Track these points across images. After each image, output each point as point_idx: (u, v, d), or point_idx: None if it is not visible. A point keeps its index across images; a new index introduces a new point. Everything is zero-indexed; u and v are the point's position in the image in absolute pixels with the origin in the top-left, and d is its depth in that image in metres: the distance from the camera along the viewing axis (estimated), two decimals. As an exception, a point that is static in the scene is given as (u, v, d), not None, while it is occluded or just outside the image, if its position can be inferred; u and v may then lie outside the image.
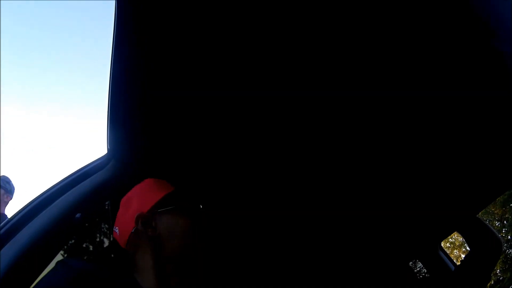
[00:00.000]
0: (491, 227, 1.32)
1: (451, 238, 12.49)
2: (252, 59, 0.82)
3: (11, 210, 2.20)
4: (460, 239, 12.38)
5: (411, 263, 2.00)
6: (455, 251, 12.37)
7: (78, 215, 0.95)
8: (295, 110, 0.98)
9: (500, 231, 10.53)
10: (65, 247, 1.00)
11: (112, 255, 1.09)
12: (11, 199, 2.22)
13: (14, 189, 2.25)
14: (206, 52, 0.80)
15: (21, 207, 0.95)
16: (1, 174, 2.25)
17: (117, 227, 0.88)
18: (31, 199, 0.96)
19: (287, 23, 0.75)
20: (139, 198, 0.87)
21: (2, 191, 2.15)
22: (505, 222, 10.46)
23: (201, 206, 0.92)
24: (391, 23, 0.75)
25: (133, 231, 0.82)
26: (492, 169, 1.23)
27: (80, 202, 0.96)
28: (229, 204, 1.33)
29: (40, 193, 0.97)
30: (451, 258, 1.77)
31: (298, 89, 0.91)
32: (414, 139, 1.09)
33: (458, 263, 1.54)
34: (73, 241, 1.01)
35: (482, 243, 1.28)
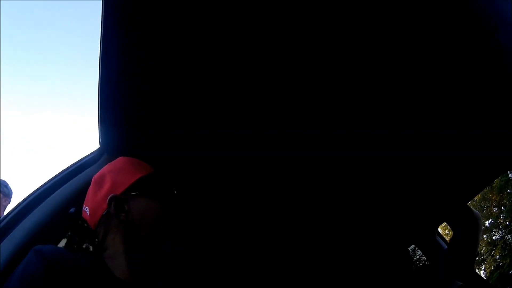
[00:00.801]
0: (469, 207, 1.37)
1: (450, 225, 12.55)
2: (249, 59, 0.83)
3: (9, 212, 2.20)
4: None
5: (410, 250, 2.01)
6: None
7: (72, 209, 0.95)
8: (294, 109, 0.98)
9: (498, 217, 10.62)
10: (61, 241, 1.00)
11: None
12: (9, 202, 2.22)
13: (12, 192, 2.25)
14: (197, 49, 0.80)
15: (16, 203, 0.96)
16: (0, 175, 2.26)
17: (87, 207, 0.83)
18: (25, 196, 0.97)
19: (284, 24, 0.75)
20: (113, 178, 0.83)
21: (1, 195, 2.15)
22: (502, 208, 10.54)
23: (175, 191, 0.89)
24: (391, 23, 0.75)
25: (104, 213, 0.79)
26: (484, 159, 1.25)
27: (74, 197, 0.96)
28: (222, 201, 1.33)
29: (35, 189, 0.98)
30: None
31: (296, 88, 0.92)
32: (410, 133, 1.10)
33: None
34: (68, 235, 1.02)
35: (463, 223, 1.33)
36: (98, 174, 0.86)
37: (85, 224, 0.84)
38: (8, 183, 2.30)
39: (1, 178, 2.28)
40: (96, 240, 0.80)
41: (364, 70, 0.89)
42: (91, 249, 1.04)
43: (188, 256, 0.82)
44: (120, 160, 0.89)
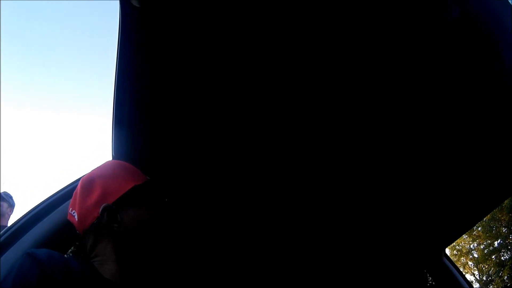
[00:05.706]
0: None
1: (458, 245, 12.36)
2: (254, 62, 0.82)
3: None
4: (467, 246, 12.25)
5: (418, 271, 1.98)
6: (462, 258, 12.22)
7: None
8: (293, 108, 0.98)
9: (507, 237, 10.41)
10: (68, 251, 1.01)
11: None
12: (12, 212, 2.38)
13: (14, 204, 2.42)
14: (210, 55, 0.80)
15: (25, 212, 0.96)
16: (1, 181, 2.43)
17: (75, 211, 0.80)
18: (35, 205, 0.98)
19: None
20: (104, 185, 0.80)
21: (6, 204, 2.30)
22: (511, 228, 10.34)
23: (166, 200, 0.89)
24: (389, 22, 0.75)
25: (95, 222, 0.77)
26: (494, 174, 1.22)
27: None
28: (239, 207, 1.34)
29: (44, 198, 0.99)
30: (456, 266, 1.75)
31: (295, 90, 0.92)
32: (415, 140, 1.09)
33: (465, 270, 1.52)
34: (76, 244, 1.02)
35: None
36: (86, 177, 0.83)
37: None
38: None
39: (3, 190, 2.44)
40: (85, 246, 0.79)
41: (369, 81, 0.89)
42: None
43: (183, 260, 0.82)
44: (110, 165, 0.87)
